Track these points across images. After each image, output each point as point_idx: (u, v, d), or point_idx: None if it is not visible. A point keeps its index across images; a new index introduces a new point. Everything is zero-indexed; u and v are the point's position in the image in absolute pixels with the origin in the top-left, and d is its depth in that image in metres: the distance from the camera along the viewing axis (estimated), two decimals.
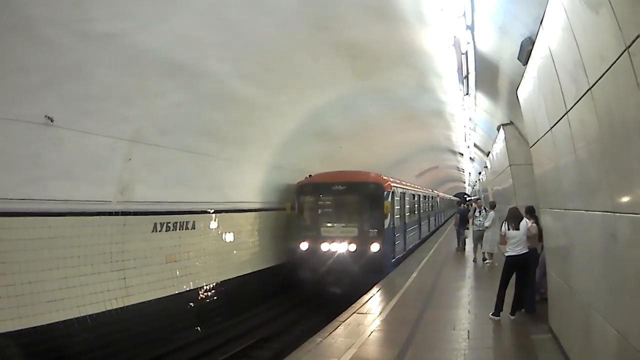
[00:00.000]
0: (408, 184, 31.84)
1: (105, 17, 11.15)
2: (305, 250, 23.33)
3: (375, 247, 22.18)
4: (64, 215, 13.89)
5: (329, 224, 23.45)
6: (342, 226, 23.18)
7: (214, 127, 18.44)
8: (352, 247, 22.38)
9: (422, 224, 36.38)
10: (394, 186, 24.30)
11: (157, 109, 15.38)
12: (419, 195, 35.60)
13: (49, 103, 12.33)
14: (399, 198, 25.69)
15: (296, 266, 23.64)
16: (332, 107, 22.42)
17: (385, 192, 22.76)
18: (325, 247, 22.82)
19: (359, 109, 24.37)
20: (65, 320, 13.72)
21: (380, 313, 13.79)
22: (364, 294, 16.68)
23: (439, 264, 24.17)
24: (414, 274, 20.63)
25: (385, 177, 24.06)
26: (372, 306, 14.82)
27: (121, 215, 15.72)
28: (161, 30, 12.51)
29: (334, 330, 12.23)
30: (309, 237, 23.48)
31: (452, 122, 27.63)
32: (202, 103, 16.70)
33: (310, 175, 24.72)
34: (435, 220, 49.77)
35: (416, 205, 33.55)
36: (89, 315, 14.50)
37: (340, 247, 22.53)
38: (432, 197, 47.30)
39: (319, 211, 24.14)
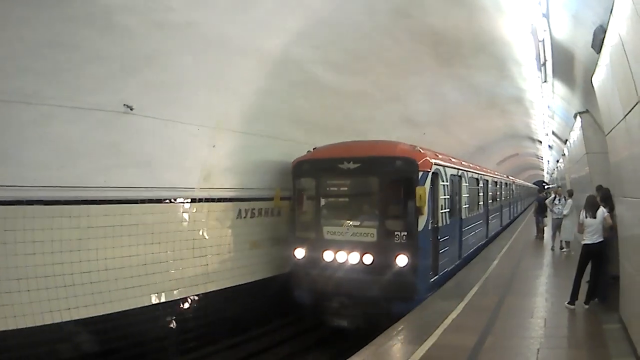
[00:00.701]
0: (466, 163, 23.07)
1: (184, 5, 11.38)
2: (302, 260, 16.07)
3: (402, 260, 14.48)
4: (145, 203, 14.07)
5: (334, 223, 16.10)
6: (354, 226, 15.67)
7: (300, 114, 18.51)
8: (368, 259, 14.87)
9: (490, 218, 29.18)
10: (437, 165, 16.21)
11: (242, 96, 15.55)
12: (487, 180, 27.89)
13: (129, 91, 12.53)
14: (447, 183, 17.57)
15: (290, 282, 16.55)
16: (416, 93, 22.11)
17: (421, 174, 14.86)
18: (328, 256, 15.41)
19: (442, 96, 23.44)
20: (142, 307, 13.87)
21: (462, 300, 13.96)
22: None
23: (519, 252, 24.13)
24: (495, 262, 20.71)
25: (423, 151, 15.60)
26: (455, 293, 14.98)
27: (204, 202, 15.92)
28: (243, 18, 12.67)
29: (417, 317, 12.56)
30: (308, 241, 16.11)
31: (531, 110, 27.26)
32: (288, 89, 16.80)
33: (315, 149, 17.31)
34: (510, 211, 42.99)
35: (481, 194, 25.94)
36: (168, 302, 14.64)
37: (351, 258, 15.09)
38: (507, 183, 40.20)
39: (321, 203, 16.73)
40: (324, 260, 15.50)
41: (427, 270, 15.26)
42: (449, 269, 17.76)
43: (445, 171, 17.34)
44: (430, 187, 15.37)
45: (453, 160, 19.71)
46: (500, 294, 14.63)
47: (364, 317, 14.75)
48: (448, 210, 17.64)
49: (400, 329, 11.54)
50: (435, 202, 16.15)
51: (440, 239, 16.57)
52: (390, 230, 15.09)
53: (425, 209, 14.58)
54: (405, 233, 14.78)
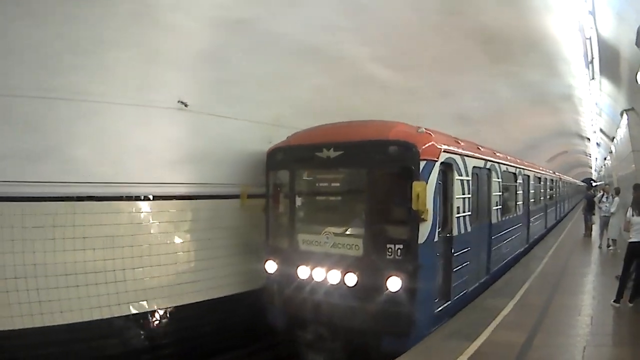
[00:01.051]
0: (502, 155, 19.10)
1: (235, 3, 11.53)
2: (274, 275, 12.95)
3: (394, 284, 10.82)
4: (201, 199, 14.24)
5: (311, 230, 12.67)
6: (335, 235, 12.11)
7: (353, 111, 18.27)
8: (351, 279, 11.34)
9: (532, 220, 24.71)
10: (449, 153, 12.41)
11: (296, 93, 15.60)
12: (527, 176, 23.63)
13: (182, 88, 12.71)
14: (469, 178, 13.73)
15: (261, 301, 13.36)
16: (469, 90, 21.98)
17: (424, 164, 11.06)
18: (304, 272, 12.11)
19: (495, 93, 23.14)
20: (192, 304, 13.87)
21: (513, 297, 13.97)
22: None
23: (567, 250, 23.93)
24: (545, 260, 20.49)
25: (426, 133, 11.78)
26: (507, 291, 14.90)
27: (263, 198, 15.46)
28: (295, 16, 12.77)
29: (469, 314, 12.58)
30: (282, 251, 12.88)
31: (580, 107, 27.10)
32: (340, 87, 16.78)
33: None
34: (556, 211, 37.77)
35: (520, 192, 21.66)
36: (219, 298, 14.56)
37: (331, 277, 11.65)
38: (553, 180, 35.55)
39: (296, 203, 13.22)
40: (298, 277, 12.22)
41: (430, 297, 11.51)
42: (470, 289, 14.02)
43: (465, 162, 13.52)
44: (439, 183, 11.65)
45: (482, 149, 16.05)
46: (549, 292, 14.60)
47: (345, 352, 11.70)
48: (469, 213, 13.69)
49: (453, 325, 11.63)
50: (448, 203, 12.53)
51: (456, 252, 12.70)
52: (381, 242, 11.37)
53: (429, 213, 10.85)
54: (401, 246, 11.07)
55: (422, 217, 10.60)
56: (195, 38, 11.93)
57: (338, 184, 13.75)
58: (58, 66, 10.59)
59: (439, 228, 11.51)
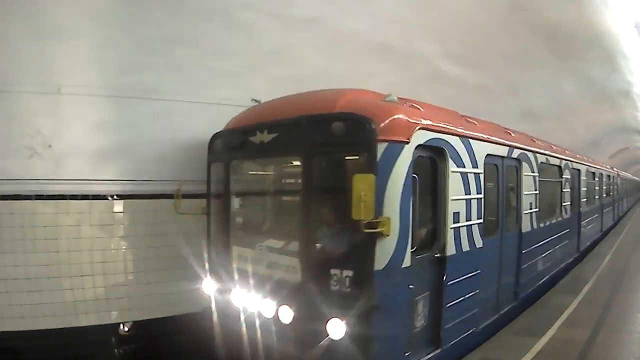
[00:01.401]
0: (542, 143, 15.06)
1: (306, 1, 11.67)
2: (212, 298, 9.81)
3: (336, 329, 7.16)
4: None
5: (245, 242, 9.55)
6: (270, 250, 9.07)
7: None
8: (286, 315, 7.98)
9: (584, 224, 20.13)
10: (432, 130, 8.19)
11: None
12: (577, 170, 19.14)
13: (255, 86, 12.54)
14: (477, 170, 9.69)
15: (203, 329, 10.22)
16: (534, 86, 21.79)
17: (384, 147, 7.14)
18: (237, 298, 9.08)
19: (558, 89, 22.96)
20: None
21: (577, 295, 14.01)
22: None
23: (629, 248, 23.73)
24: (607, 257, 20.40)
25: (400, 103, 8.15)
26: (571, 288, 14.93)
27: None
28: (366, 13, 12.84)
29: (536, 312, 12.66)
30: (219, 267, 9.69)
31: (639, 103, 26.86)
32: (412, 84, 16.28)
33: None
34: (614, 211, 32.47)
35: (567, 191, 16.93)
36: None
37: (264, 308, 8.43)
38: (610, 176, 31.00)
39: (231, 205, 9.94)
40: (232, 304, 9.16)
41: (396, 348, 7.62)
42: (480, 327, 10.14)
43: (470, 147, 9.52)
44: (413, 177, 7.58)
45: (513, 134, 12.35)
46: (611, 290, 14.63)
47: None
48: (479, 221, 9.72)
49: (521, 323, 11.72)
50: (437, 207, 8.64)
51: (451, 280, 8.74)
52: (323, 265, 7.69)
53: (392, 224, 7.10)
54: (350, 273, 7.35)
55: (380, 230, 6.92)
56: (267, 36, 12.00)
57: (275, 179, 10.91)
58: (127, 65, 10.70)
59: (413, 247, 7.64)
